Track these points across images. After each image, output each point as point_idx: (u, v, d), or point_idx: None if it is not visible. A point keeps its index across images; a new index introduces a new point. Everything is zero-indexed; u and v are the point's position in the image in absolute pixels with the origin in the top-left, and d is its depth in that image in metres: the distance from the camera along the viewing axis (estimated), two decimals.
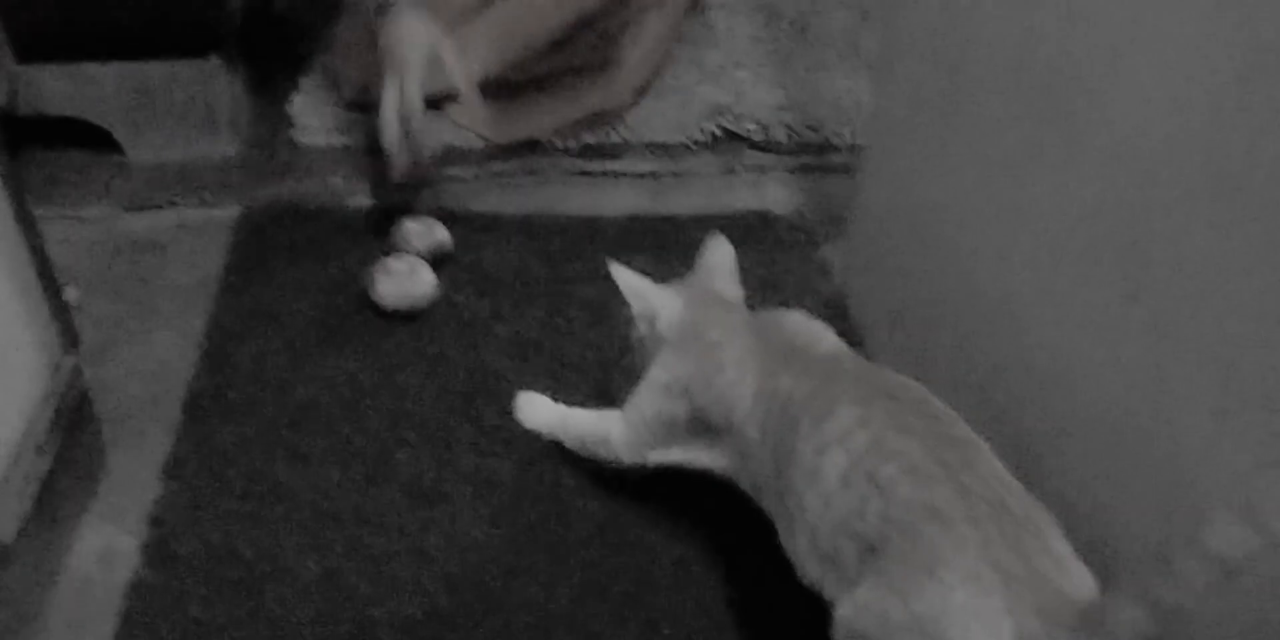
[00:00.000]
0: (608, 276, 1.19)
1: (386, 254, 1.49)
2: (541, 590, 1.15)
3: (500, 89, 1.77)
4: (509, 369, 1.39)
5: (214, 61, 1.70)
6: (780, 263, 1.57)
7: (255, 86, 1.86)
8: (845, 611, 0.93)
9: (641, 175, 1.76)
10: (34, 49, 1.64)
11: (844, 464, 0.96)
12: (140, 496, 1.23)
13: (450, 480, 1.26)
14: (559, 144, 1.80)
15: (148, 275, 1.55)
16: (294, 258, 1.57)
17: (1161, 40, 0.87)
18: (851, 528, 0.94)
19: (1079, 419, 1.01)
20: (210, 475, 1.26)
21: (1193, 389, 0.86)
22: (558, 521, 1.22)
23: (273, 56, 1.93)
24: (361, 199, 1.67)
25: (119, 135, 1.73)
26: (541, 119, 1.81)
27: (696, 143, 1.81)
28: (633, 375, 1.20)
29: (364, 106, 1.74)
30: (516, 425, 1.31)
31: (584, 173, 1.76)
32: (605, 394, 1.33)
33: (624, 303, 1.19)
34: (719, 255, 1.22)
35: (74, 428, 1.24)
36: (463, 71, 1.61)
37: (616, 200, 1.71)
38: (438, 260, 1.51)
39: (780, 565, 1.04)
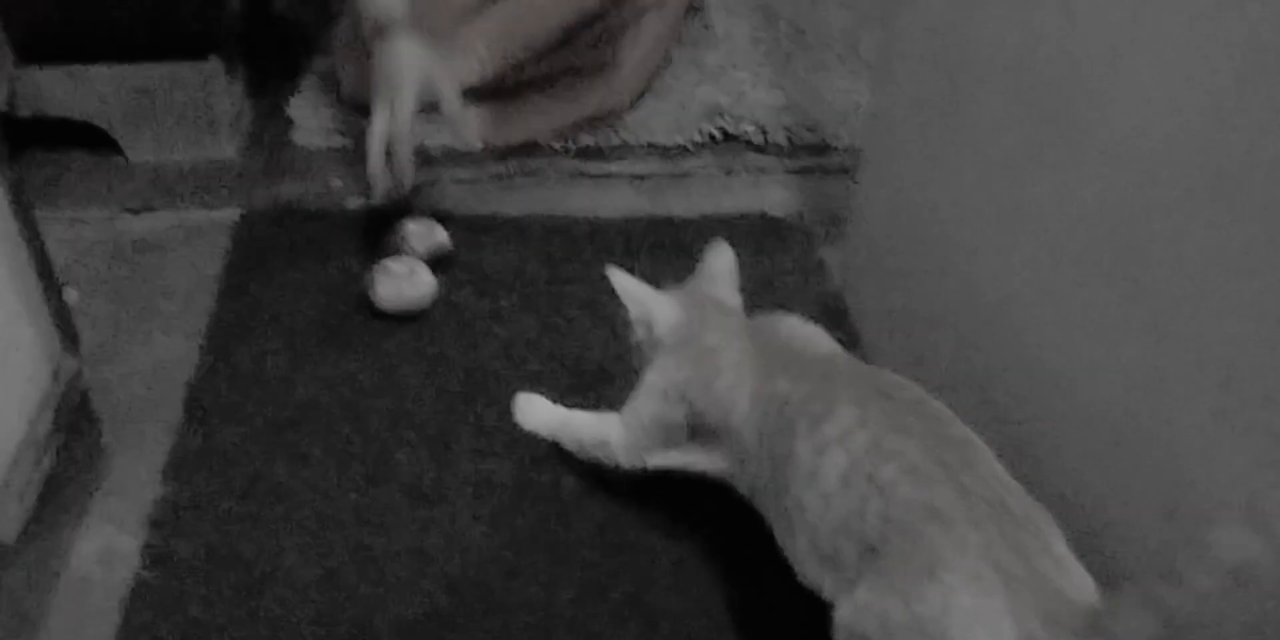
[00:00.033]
0: (606, 278, 1.19)
1: (386, 255, 1.49)
2: (541, 591, 1.15)
3: (499, 90, 1.77)
4: (508, 370, 1.40)
5: (214, 63, 1.70)
6: (779, 264, 1.57)
7: (255, 88, 1.86)
8: (845, 612, 0.93)
9: (640, 177, 1.76)
10: (34, 51, 1.64)
11: (843, 464, 0.96)
12: (140, 497, 1.23)
13: (450, 481, 1.26)
14: (558, 145, 1.80)
15: (147, 276, 1.55)
16: (294, 259, 1.57)
17: (1162, 41, 0.87)
18: (851, 528, 0.94)
19: (1079, 419, 1.01)
20: (210, 476, 1.26)
21: (1192, 389, 0.86)
22: (557, 522, 1.22)
23: (272, 58, 1.93)
24: (361, 200, 1.67)
25: (119, 137, 1.73)
26: (540, 120, 1.81)
27: (695, 144, 1.81)
28: (633, 378, 1.20)
29: (362, 106, 1.74)
30: (516, 426, 1.31)
31: (583, 174, 1.76)
32: (605, 396, 1.33)
33: (622, 307, 1.19)
34: (720, 261, 1.22)
35: (75, 429, 1.24)
36: (458, 99, 1.57)
37: (615, 201, 1.71)
38: (437, 261, 1.51)
39: (780, 565, 1.04)
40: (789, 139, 1.82)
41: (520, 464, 1.28)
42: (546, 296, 1.51)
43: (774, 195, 1.73)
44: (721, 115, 1.84)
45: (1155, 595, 0.76)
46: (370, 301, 1.46)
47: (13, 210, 1.20)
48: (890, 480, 0.93)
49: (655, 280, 1.21)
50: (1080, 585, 0.87)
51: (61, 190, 1.68)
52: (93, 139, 1.73)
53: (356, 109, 1.78)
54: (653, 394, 1.16)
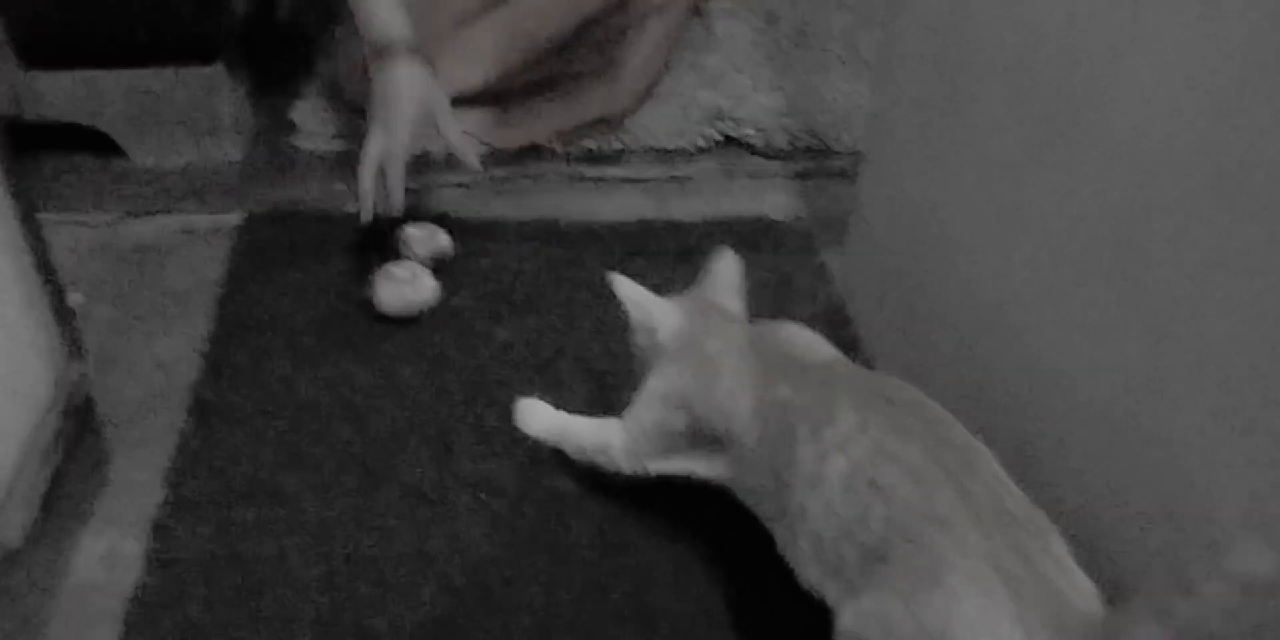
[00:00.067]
0: (607, 283, 1.19)
1: (388, 259, 1.50)
2: (542, 592, 1.15)
3: (501, 94, 1.77)
4: (509, 374, 1.40)
5: (217, 68, 1.71)
6: (780, 268, 1.57)
7: (258, 92, 1.86)
8: (848, 619, 0.93)
9: (642, 181, 1.77)
10: (39, 55, 1.64)
11: (845, 470, 0.96)
12: (143, 501, 1.23)
13: (450, 484, 1.26)
14: (560, 149, 1.81)
15: (150, 280, 1.55)
16: (296, 263, 1.57)
17: (1162, 41, 0.87)
18: (854, 534, 0.94)
19: (1079, 421, 1.01)
20: (212, 480, 1.26)
21: (1193, 390, 0.86)
22: (558, 524, 1.22)
23: (275, 61, 1.94)
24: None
25: (122, 140, 1.74)
26: (542, 124, 1.81)
27: (697, 148, 1.82)
28: (636, 383, 1.20)
29: (364, 110, 1.74)
30: (516, 430, 1.31)
31: (584, 178, 1.77)
32: (606, 401, 1.33)
33: (624, 312, 1.19)
34: (725, 269, 1.22)
35: (79, 434, 1.24)
36: (457, 126, 1.55)
37: (617, 205, 1.71)
38: (438, 265, 1.52)
39: (779, 567, 1.04)
40: (790, 142, 1.82)
41: (520, 466, 1.28)
42: (547, 300, 1.52)
43: (775, 199, 1.73)
44: (723, 119, 1.84)
45: (1166, 606, 0.76)
46: (372, 305, 1.46)
47: (17, 214, 1.20)
48: (892, 486, 0.92)
49: (656, 284, 1.21)
50: (1084, 591, 0.87)
51: (65, 194, 1.69)
52: (96, 143, 1.74)
53: (359, 112, 1.79)
54: (654, 400, 1.16)
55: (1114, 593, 0.88)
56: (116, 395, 1.36)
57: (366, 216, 1.51)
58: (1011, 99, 1.09)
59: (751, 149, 1.82)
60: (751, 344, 1.13)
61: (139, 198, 1.70)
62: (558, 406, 1.32)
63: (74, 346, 1.31)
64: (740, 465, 1.09)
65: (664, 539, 1.20)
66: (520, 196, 1.72)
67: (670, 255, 1.59)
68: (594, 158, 1.80)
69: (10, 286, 1.20)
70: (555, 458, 1.28)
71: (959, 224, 1.22)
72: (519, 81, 1.77)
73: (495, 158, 1.77)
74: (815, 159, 1.80)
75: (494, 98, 1.77)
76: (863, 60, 1.96)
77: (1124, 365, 0.94)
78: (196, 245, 1.61)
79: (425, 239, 1.53)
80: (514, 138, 1.80)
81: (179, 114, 1.72)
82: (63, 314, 1.29)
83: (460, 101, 1.74)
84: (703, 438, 1.12)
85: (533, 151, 1.80)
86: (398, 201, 1.51)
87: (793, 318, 1.22)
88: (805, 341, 1.16)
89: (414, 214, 1.58)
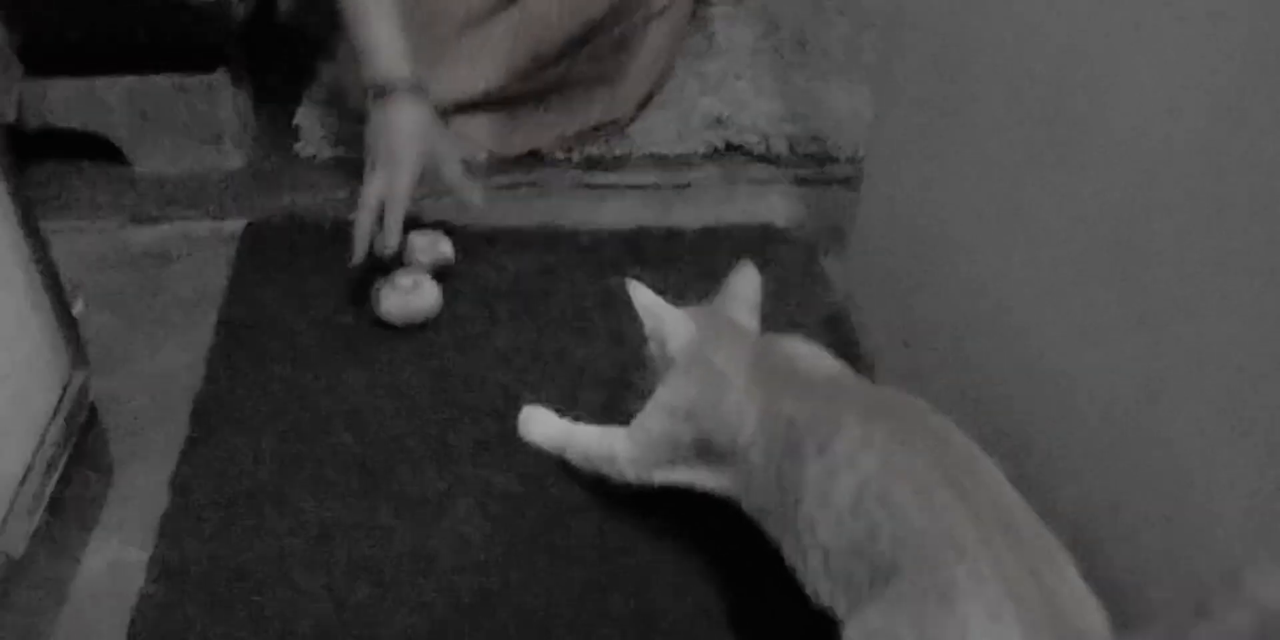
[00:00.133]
0: (624, 290, 1.20)
1: (390, 267, 1.50)
2: (543, 600, 1.16)
3: (504, 101, 1.77)
4: (511, 381, 1.40)
5: (219, 74, 1.71)
6: (782, 275, 1.58)
7: (260, 99, 1.86)
8: (854, 636, 0.93)
9: (643, 187, 1.77)
10: (43, 62, 1.65)
11: (853, 486, 0.95)
12: (147, 509, 1.24)
13: (452, 490, 1.26)
14: (561, 156, 1.81)
15: (153, 287, 1.56)
16: (299, 270, 1.57)
17: (1162, 43, 0.88)
18: (864, 552, 0.94)
19: (1081, 425, 1.01)
20: (217, 488, 1.26)
21: (1193, 392, 0.87)
22: (559, 531, 1.23)
23: (278, 68, 1.94)
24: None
25: (125, 147, 1.75)
26: (545, 130, 1.82)
27: (698, 155, 1.82)
28: (644, 391, 1.21)
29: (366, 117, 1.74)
30: (520, 439, 1.31)
31: (586, 185, 1.77)
32: (608, 408, 1.34)
33: (636, 319, 1.19)
34: (744, 283, 1.22)
35: (83, 442, 1.25)
36: (460, 167, 1.53)
37: (619, 212, 1.71)
38: (441, 273, 1.52)
39: (780, 572, 1.05)
40: (791, 149, 1.82)
41: (522, 474, 1.28)
42: (549, 307, 1.52)
43: (776, 205, 1.74)
44: (724, 125, 1.84)
45: (1183, 632, 0.76)
46: (375, 312, 1.47)
47: (20, 221, 1.20)
48: (900, 504, 0.92)
49: (659, 291, 1.21)
50: (1094, 617, 0.87)
51: (68, 201, 1.69)
52: (99, 150, 1.74)
53: (361, 119, 1.79)
54: (661, 411, 1.16)
55: (1117, 595, 0.88)
56: (119, 402, 1.37)
57: (358, 258, 1.47)
58: (1011, 103, 1.09)
59: (753, 155, 1.83)
60: (758, 358, 1.13)
61: (142, 204, 1.70)
62: (560, 414, 1.32)
63: (77, 354, 1.31)
64: (747, 479, 1.09)
65: (664, 543, 1.21)
66: (522, 203, 1.73)
67: (672, 262, 1.59)
68: (596, 164, 1.80)
69: (13, 294, 1.20)
70: (557, 466, 1.28)
71: (960, 230, 1.22)
72: (522, 88, 1.77)
73: (498, 164, 1.77)
74: (816, 165, 1.81)
75: (497, 104, 1.78)
76: (863, 66, 1.96)
77: (1125, 368, 0.94)
78: (199, 252, 1.62)
79: (428, 246, 1.54)
80: (517, 144, 1.80)
81: (182, 121, 1.73)
82: (66, 321, 1.29)
83: (463, 108, 1.75)
84: (709, 451, 1.13)
85: (535, 158, 1.80)
86: (394, 245, 1.46)
87: (794, 324, 1.23)
88: (811, 356, 1.16)
89: (416, 221, 1.59)
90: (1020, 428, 1.09)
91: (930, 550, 0.89)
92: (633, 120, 1.85)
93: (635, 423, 1.20)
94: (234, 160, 1.78)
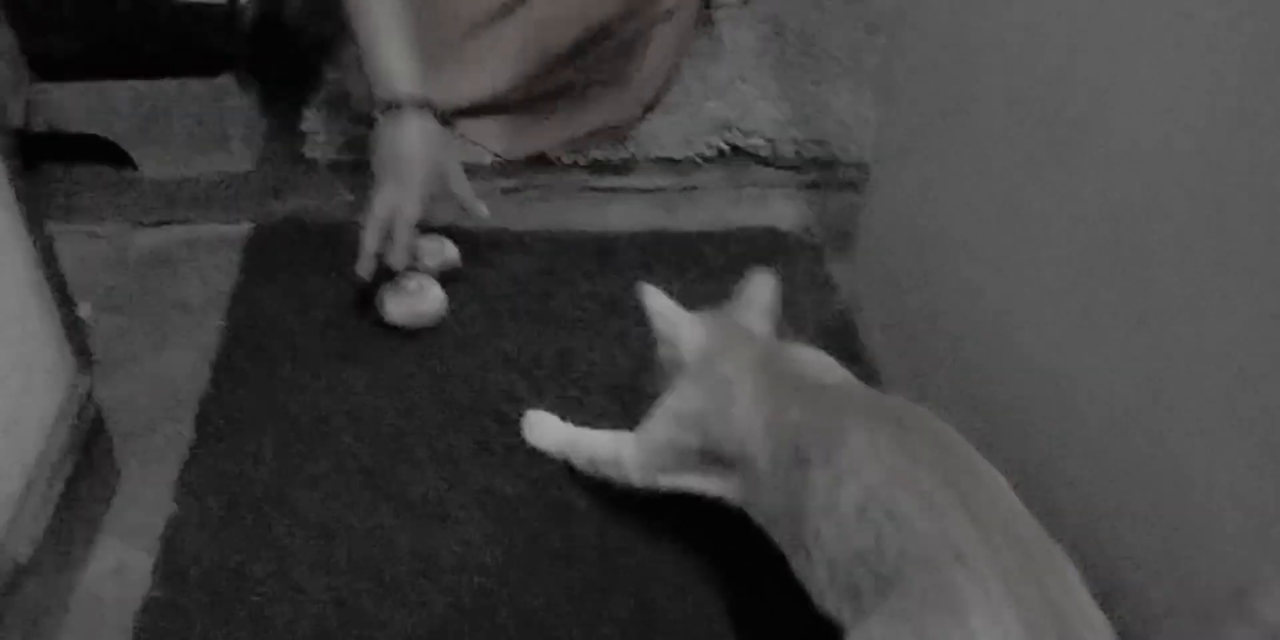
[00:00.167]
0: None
1: (396, 271, 1.50)
2: (543, 602, 1.16)
3: (511, 104, 1.78)
4: (515, 386, 1.40)
5: (226, 78, 1.72)
6: (787, 279, 1.56)
7: (267, 102, 1.87)
8: None
9: (649, 191, 1.77)
10: (51, 67, 1.65)
11: (859, 496, 0.95)
12: (152, 514, 1.24)
13: (456, 497, 1.27)
14: (567, 159, 1.81)
15: (159, 291, 1.56)
16: (305, 273, 1.58)
17: (1163, 45, 0.88)
18: (869, 562, 0.93)
19: (1083, 429, 1.01)
20: (221, 493, 1.26)
21: (1195, 394, 0.86)
22: (563, 536, 1.23)
23: (285, 71, 1.94)
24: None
25: (132, 151, 1.75)
26: (552, 133, 1.82)
27: (704, 158, 1.82)
28: (653, 394, 1.20)
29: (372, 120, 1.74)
30: (523, 443, 1.31)
31: (592, 188, 1.77)
32: (612, 412, 1.34)
33: (649, 324, 1.19)
34: (759, 290, 1.22)
35: (88, 447, 1.25)
36: (467, 183, 1.51)
37: (625, 216, 1.72)
38: (446, 276, 1.52)
39: (782, 576, 1.05)
40: (797, 152, 1.82)
41: (526, 478, 1.28)
42: (554, 311, 1.52)
43: (782, 209, 1.74)
44: (730, 129, 1.84)
45: None
46: (380, 316, 1.47)
47: (27, 224, 1.21)
48: (906, 515, 0.92)
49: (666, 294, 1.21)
50: (1098, 627, 0.86)
51: (75, 205, 1.70)
52: (106, 153, 1.74)
53: (368, 122, 1.79)
54: (669, 418, 1.16)
55: (1117, 595, 0.88)
56: (125, 406, 1.37)
57: (366, 275, 1.45)
58: (1013, 105, 1.09)
59: (758, 159, 1.83)
60: (767, 366, 1.13)
61: (148, 208, 1.71)
62: (565, 418, 1.32)
63: (83, 358, 1.31)
64: (754, 487, 1.09)
65: (664, 543, 1.21)
66: (527, 207, 1.73)
67: (678, 266, 1.59)
68: (601, 168, 1.81)
69: (20, 297, 1.20)
70: (561, 471, 1.28)
71: (963, 231, 1.22)
72: (529, 91, 1.77)
73: (503, 168, 1.78)
74: (822, 169, 1.81)
75: (504, 107, 1.78)
76: (868, 70, 1.96)
77: (1125, 368, 0.94)
78: (205, 255, 1.62)
79: (434, 250, 1.54)
80: (523, 148, 1.80)
81: (189, 124, 1.73)
82: (72, 325, 1.29)
83: (470, 111, 1.75)
84: (716, 458, 1.12)
85: (540, 162, 1.81)
86: (402, 261, 1.45)
87: (799, 328, 1.23)
88: (818, 364, 1.15)
89: (422, 225, 1.59)
90: (1020, 428, 1.09)
91: (935, 560, 0.89)
92: (639, 123, 1.85)
93: (642, 427, 1.19)
94: (240, 164, 1.78)
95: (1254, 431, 0.80)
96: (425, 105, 1.47)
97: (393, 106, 1.47)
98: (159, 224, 1.68)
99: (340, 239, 1.61)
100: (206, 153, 1.76)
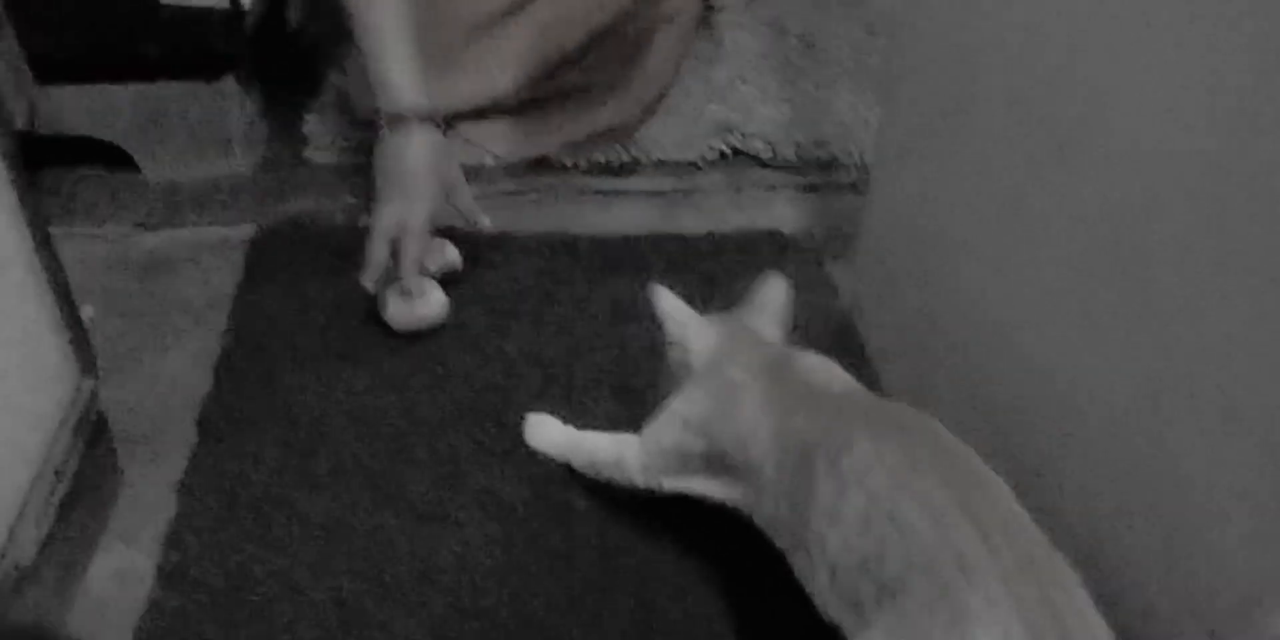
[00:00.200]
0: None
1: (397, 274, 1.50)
2: (544, 603, 1.16)
3: (513, 106, 1.78)
4: (517, 388, 1.40)
5: (228, 81, 1.72)
6: (788, 281, 1.57)
7: (269, 105, 1.87)
8: None
9: (651, 193, 1.77)
10: (53, 70, 1.66)
11: (863, 504, 0.95)
12: (155, 517, 1.24)
13: (458, 500, 1.27)
14: (569, 162, 1.81)
15: (161, 293, 1.56)
16: (307, 276, 1.58)
17: (1164, 47, 0.88)
18: (872, 570, 0.93)
19: (1084, 430, 1.01)
20: (223, 495, 1.27)
21: (1195, 394, 0.87)
22: (565, 540, 1.23)
23: (287, 74, 1.95)
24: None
25: (135, 154, 1.75)
26: (553, 136, 1.82)
27: (705, 160, 1.82)
28: (660, 395, 1.20)
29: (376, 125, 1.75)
30: (525, 445, 1.31)
31: (594, 191, 1.77)
32: (617, 415, 1.33)
33: (659, 325, 1.19)
34: (770, 294, 1.21)
35: (91, 450, 1.25)
36: (470, 194, 1.51)
37: (625, 218, 1.72)
38: (447, 279, 1.52)
39: (783, 579, 1.04)
40: (798, 155, 1.82)
41: (528, 482, 1.28)
42: (556, 314, 1.52)
43: (783, 212, 1.74)
44: (731, 132, 1.85)
45: None
46: (382, 319, 1.47)
47: (30, 228, 1.21)
48: (910, 523, 0.91)
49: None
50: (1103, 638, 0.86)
51: (77, 207, 1.70)
52: (108, 156, 1.75)
53: (370, 125, 1.80)
54: (674, 421, 1.16)
55: (1117, 596, 0.88)
56: (128, 409, 1.37)
57: (371, 287, 1.45)
58: (1015, 106, 1.10)
59: (759, 161, 1.83)
60: (774, 372, 1.12)
61: (151, 211, 1.71)
62: (567, 421, 1.32)
63: (86, 361, 1.31)
64: (759, 493, 1.08)
65: (664, 544, 1.21)
66: (529, 210, 1.73)
67: (678, 268, 1.59)
68: (602, 170, 1.81)
69: (22, 300, 1.20)
70: (563, 474, 1.28)
71: (966, 234, 1.22)
72: (532, 94, 1.77)
73: (505, 170, 1.78)
74: (823, 172, 1.81)
75: (506, 110, 1.78)
76: (870, 72, 1.96)
77: (1125, 368, 0.94)
78: (208, 258, 1.62)
79: (435, 253, 1.54)
80: (525, 150, 1.80)
81: (191, 127, 1.73)
82: (75, 327, 1.30)
83: (472, 114, 1.75)
84: (721, 463, 1.12)
85: (542, 164, 1.81)
86: (410, 273, 1.44)
87: (800, 329, 1.22)
88: (824, 371, 1.14)
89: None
90: (1020, 428, 1.09)
91: (939, 570, 0.88)
92: (640, 126, 1.86)
93: (647, 430, 1.19)
94: (243, 167, 1.79)
95: (1254, 431, 0.80)
96: (429, 117, 1.47)
97: (397, 117, 1.46)
98: (161, 226, 1.68)
99: (342, 241, 1.62)
100: (208, 155, 1.76)
